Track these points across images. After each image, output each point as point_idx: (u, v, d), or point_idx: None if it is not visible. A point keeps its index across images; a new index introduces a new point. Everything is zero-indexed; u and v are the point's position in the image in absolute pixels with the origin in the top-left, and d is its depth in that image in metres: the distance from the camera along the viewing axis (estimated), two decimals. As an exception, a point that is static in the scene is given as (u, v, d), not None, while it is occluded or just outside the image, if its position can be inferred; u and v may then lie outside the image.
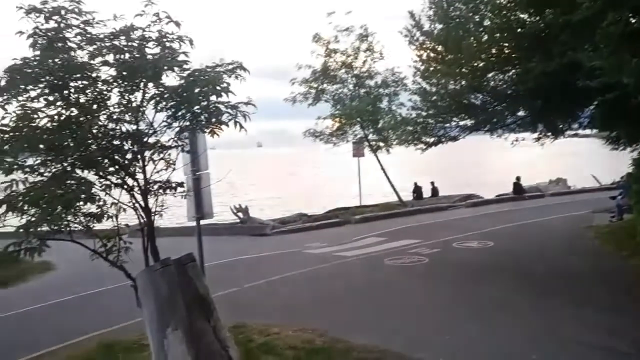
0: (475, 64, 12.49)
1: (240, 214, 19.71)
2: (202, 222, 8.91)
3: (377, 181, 30.12)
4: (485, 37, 12.17)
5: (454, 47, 12.54)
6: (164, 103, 5.26)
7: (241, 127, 5.34)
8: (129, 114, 5.13)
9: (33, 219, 4.57)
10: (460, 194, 26.33)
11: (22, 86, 4.58)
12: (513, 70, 12.31)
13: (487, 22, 12.12)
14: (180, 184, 5.75)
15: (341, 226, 18.26)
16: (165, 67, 5.14)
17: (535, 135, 14.53)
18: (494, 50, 12.40)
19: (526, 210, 18.99)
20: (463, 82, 13.03)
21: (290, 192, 43.78)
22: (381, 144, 23.27)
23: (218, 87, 5.19)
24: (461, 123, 14.50)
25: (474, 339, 6.71)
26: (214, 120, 5.36)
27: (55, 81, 4.74)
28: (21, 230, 4.56)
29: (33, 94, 4.74)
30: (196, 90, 5.16)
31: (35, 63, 4.65)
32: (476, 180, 40.12)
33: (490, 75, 12.91)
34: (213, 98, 5.23)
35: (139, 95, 5.26)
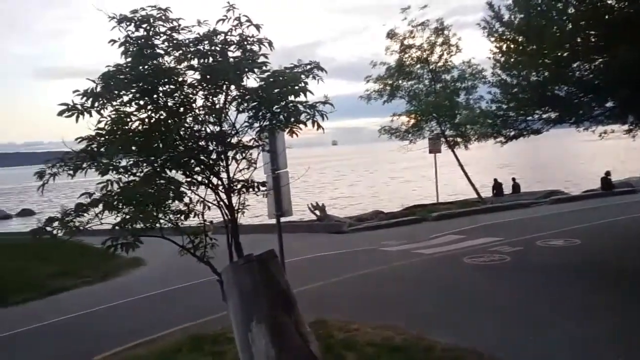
0: (559, 54, 11.92)
1: (317, 212, 19.93)
2: (281, 219, 9.09)
3: (454, 178, 29.45)
4: (570, 25, 11.59)
5: (535, 37, 12.03)
6: (245, 104, 5.43)
7: (319, 126, 5.41)
8: (213, 115, 5.35)
9: (127, 216, 4.87)
10: (544, 190, 25.25)
11: (116, 91, 4.87)
12: (600, 60, 11.64)
13: (571, 10, 11.54)
14: (263, 183, 5.91)
15: (418, 223, 18.02)
16: (246, 70, 5.31)
17: (626, 127, 13.67)
18: (578, 39, 11.78)
19: (616, 207, 17.90)
20: (546, 73, 12.48)
21: (366, 190, 43.75)
22: (459, 139, 22.74)
23: (296, 87, 5.29)
24: (544, 116, 13.90)
25: (559, 341, 6.43)
26: (292, 119, 5.47)
27: (145, 86, 5.02)
28: (117, 227, 4.87)
29: (126, 98, 5.04)
30: (275, 91, 5.29)
31: (127, 69, 4.94)
32: (560, 176, 38.34)
33: (575, 65, 12.28)
34: (292, 98, 5.35)
35: (221, 97, 5.46)
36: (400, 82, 22.70)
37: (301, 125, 5.51)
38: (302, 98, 5.31)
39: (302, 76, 5.41)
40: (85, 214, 4.88)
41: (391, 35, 22.45)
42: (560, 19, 11.67)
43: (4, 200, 57.36)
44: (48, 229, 4.79)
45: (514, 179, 26.66)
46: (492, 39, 14.09)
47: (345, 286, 9.99)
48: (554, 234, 13.29)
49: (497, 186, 25.68)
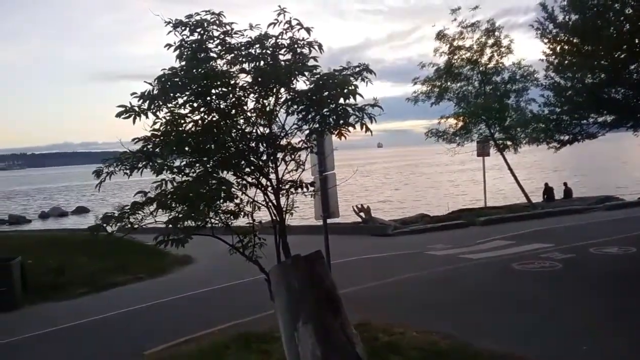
0: (616, 55, 11.52)
1: (362, 214, 19.91)
2: (327, 221, 9.15)
3: (502, 182, 28.81)
4: (627, 26, 11.19)
5: (591, 38, 11.68)
6: (295, 106, 5.52)
7: (367, 129, 5.43)
8: (264, 117, 5.45)
9: (180, 215, 5.03)
10: (597, 195, 24.39)
11: (171, 94, 5.04)
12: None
13: (628, 11, 11.14)
14: (312, 184, 5.98)
15: (465, 228, 17.73)
16: (297, 73, 5.39)
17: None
18: (636, 40, 11.36)
19: (677, 214, 17.11)
20: (602, 75, 12.09)
21: (411, 193, 43.36)
22: (508, 142, 22.25)
23: (346, 91, 5.33)
24: (600, 119, 13.45)
25: (615, 352, 6.21)
26: (341, 122, 5.51)
27: (199, 89, 5.16)
28: (169, 225, 5.03)
29: (180, 101, 5.20)
30: (325, 94, 5.34)
31: (181, 73, 5.10)
32: (616, 182, 36.93)
33: (632, 67, 11.85)
34: (341, 101, 5.39)
35: (272, 99, 5.56)
36: (448, 83, 22.41)
37: (350, 128, 5.56)
38: (351, 101, 5.35)
39: (352, 79, 5.45)
40: (140, 212, 5.07)
41: (440, 36, 22.20)
42: (618, 20, 11.29)
43: (62, 198, 59.82)
44: (105, 225, 5.00)
45: (565, 184, 25.88)
46: (545, 40, 13.75)
47: (390, 289, 9.94)
48: (608, 241, 12.83)
49: (548, 191, 24.98)
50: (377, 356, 6.13)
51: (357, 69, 5.59)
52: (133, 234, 5.79)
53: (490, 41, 22.04)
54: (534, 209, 20.84)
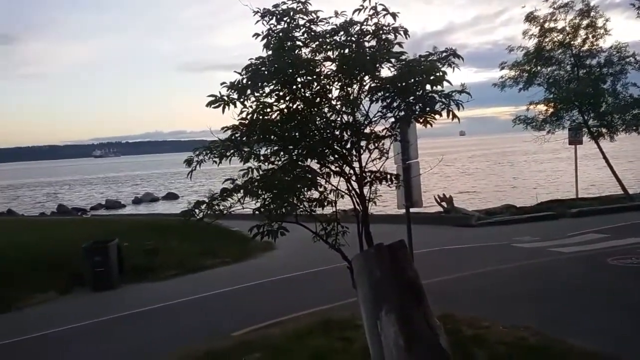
0: None
1: (444, 204, 19.49)
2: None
3: (596, 171, 27.18)
4: None
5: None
6: (380, 94, 5.46)
7: (454, 116, 5.29)
8: (348, 105, 5.44)
9: (266, 202, 5.15)
10: None
11: (259, 83, 5.14)
12: None
13: None
14: (397, 176, 5.92)
15: (554, 220, 16.88)
16: (382, 59, 5.33)
17: None
18: None
19: None
20: None
21: (497, 182, 41.91)
22: (603, 129, 20.88)
23: (433, 77, 5.20)
24: None
25: None
26: (427, 109, 5.39)
27: (285, 77, 5.23)
28: (257, 212, 5.18)
29: (267, 90, 5.30)
30: (411, 81, 5.25)
31: (268, 62, 5.19)
32: None
33: None
34: (428, 87, 5.27)
35: (356, 87, 5.53)
36: (538, 68, 21.29)
37: (436, 116, 5.43)
38: (437, 87, 5.22)
39: (438, 64, 5.31)
40: (229, 199, 5.24)
41: (530, 18, 21.08)
42: None
43: (153, 184, 63.12)
44: (197, 211, 5.22)
45: (668, 175, 24.00)
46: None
47: (473, 282, 9.67)
48: None
49: (648, 182, 23.27)
50: (462, 349, 5.99)
51: (444, 54, 5.44)
52: (219, 220, 6.01)
53: (585, 22, 20.68)
54: (631, 201, 19.48)
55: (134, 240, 13.59)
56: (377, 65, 5.38)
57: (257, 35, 5.33)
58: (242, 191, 5.27)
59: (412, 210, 9.99)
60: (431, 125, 5.59)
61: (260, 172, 5.34)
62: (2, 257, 12.04)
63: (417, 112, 5.40)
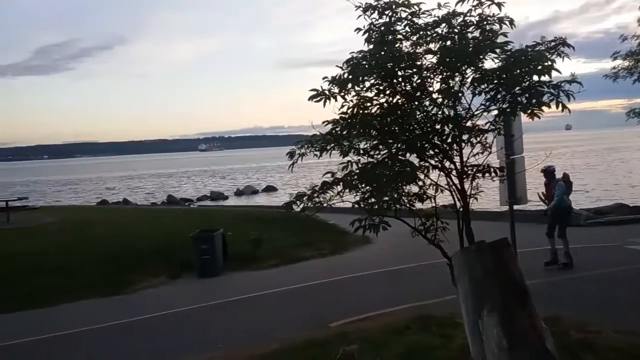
0: None
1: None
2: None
3: None
4: None
5: None
6: (483, 86, 5.30)
7: (564, 107, 5.02)
8: (449, 98, 5.33)
9: (365, 195, 5.19)
10: None
11: (360, 77, 5.17)
12: None
13: None
14: (501, 169, 5.72)
15: (677, 221, 15.49)
16: (486, 50, 5.16)
17: None
18: None
19: None
20: None
21: (607, 180, 39.08)
22: None
23: (540, 67, 4.97)
24: None
25: None
26: (534, 101, 5.16)
27: (385, 71, 5.22)
28: (356, 206, 5.22)
29: (367, 84, 5.32)
30: (517, 71, 5.05)
31: (369, 56, 5.20)
32: None
33: None
34: (535, 78, 5.05)
35: (458, 79, 5.40)
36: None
37: (544, 108, 5.18)
38: (544, 78, 4.99)
39: (547, 54, 5.07)
40: (329, 192, 5.33)
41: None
42: None
43: (253, 177, 65.40)
44: (298, 203, 5.36)
45: None
46: None
47: (581, 284, 9.13)
48: None
49: None
50: (569, 353, 5.69)
51: (553, 44, 5.18)
52: (317, 213, 6.13)
53: None
54: None
55: (237, 230, 14.20)
56: (481, 56, 5.23)
57: (358, 29, 5.36)
58: (341, 184, 5.34)
59: (514, 207, 9.60)
60: (539, 117, 5.34)
61: (360, 166, 5.38)
62: (121, 244, 13.11)
63: (523, 104, 5.18)
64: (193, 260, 12.03)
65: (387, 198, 5.12)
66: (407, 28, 5.31)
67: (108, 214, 22.03)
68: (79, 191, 59.59)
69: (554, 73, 5.03)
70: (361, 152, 5.41)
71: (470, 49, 5.11)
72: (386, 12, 5.27)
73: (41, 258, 12.03)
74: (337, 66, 5.21)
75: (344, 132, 5.36)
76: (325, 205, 5.33)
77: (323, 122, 5.35)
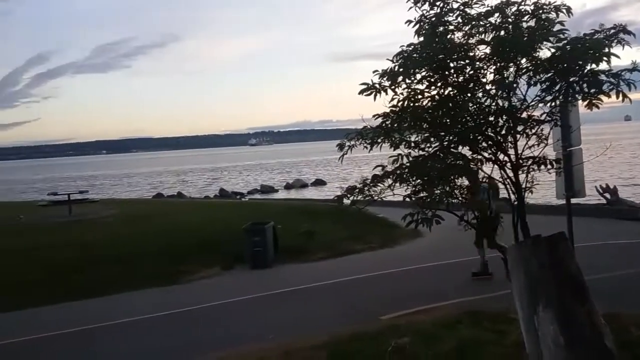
0: None
1: (607, 195, 17.81)
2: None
3: None
4: None
5: None
6: (538, 76, 5.18)
7: (624, 96, 4.84)
8: (503, 89, 5.24)
9: (416, 189, 5.17)
10: None
11: (411, 70, 5.15)
12: None
13: None
14: (558, 160, 5.58)
15: None
16: (541, 39, 5.04)
17: None
18: None
19: None
20: None
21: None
22: None
23: (598, 54, 4.81)
24: None
25: None
26: (593, 90, 5.00)
27: (437, 63, 5.18)
28: (406, 199, 5.21)
29: (418, 76, 5.30)
30: (573, 60, 4.90)
31: (420, 48, 5.17)
32: None
33: None
34: (592, 66, 4.89)
35: (512, 70, 5.30)
36: None
37: (603, 97, 5.02)
38: (603, 66, 4.83)
39: (606, 42, 4.90)
40: (380, 185, 5.35)
41: None
42: None
43: (302, 171, 65.78)
44: (349, 196, 5.40)
45: None
46: None
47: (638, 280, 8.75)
48: None
49: None
50: (629, 351, 5.49)
51: (612, 31, 5.00)
52: (366, 206, 6.13)
53: None
54: None
55: (287, 223, 14.36)
56: (536, 45, 5.11)
57: (409, 22, 5.33)
58: (392, 177, 5.34)
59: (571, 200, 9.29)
60: (597, 107, 5.18)
61: (411, 159, 5.36)
62: (176, 235, 13.51)
63: (581, 94, 5.03)
64: (245, 252, 12.26)
65: (438, 191, 5.09)
66: (459, 19, 5.26)
67: (163, 207, 22.71)
68: (134, 184, 61.61)
69: (613, 62, 4.87)
70: (412, 145, 5.40)
71: (525, 39, 5.01)
72: (437, 3, 5.23)
73: (101, 249, 12.56)
74: (387, 59, 5.22)
75: (395, 125, 5.36)
76: (376, 198, 5.35)
77: (374, 116, 5.37)
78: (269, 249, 12.27)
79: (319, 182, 47.29)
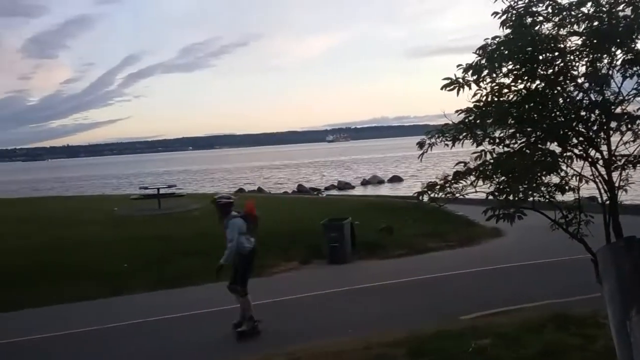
0: None
1: None
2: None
3: None
4: None
5: None
6: (635, 68, 4.88)
7: None
8: (596, 82, 4.98)
9: (501, 186, 5.02)
10: None
11: (496, 63, 5.01)
12: None
13: None
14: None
15: None
16: (639, 30, 4.74)
17: None
18: None
19: None
20: None
21: None
22: None
23: None
24: None
25: None
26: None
27: (524, 56, 5.00)
28: (489, 197, 5.08)
29: (504, 70, 5.14)
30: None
31: (507, 41, 5.01)
32: None
33: None
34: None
35: (606, 62, 5.03)
36: None
37: None
38: None
39: None
40: (461, 182, 5.24)
41: None
42: None
43: (379, 167, 65.48)
44: (429, 192, 5.34)
45: None
46: None
47: None
48: None
49: None
50: None
51: None
52: (443, 203, 6.01)
53: None
54: None
55: (364, 219, 14.36)
56: (633, 36, 4.81)
57: (495, 13, 5.19)
58: (474, 174, 5.22)
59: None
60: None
61: (495, 155, 5.22)
62: (259, 230, 13.89)
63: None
64: (323, 247, 12.41)
65: (524, 189, 4.92)
66: (548, 9, 5.05)
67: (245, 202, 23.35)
68: (217, 180, 63.84)
69: None
70: (496, 141, 5.25)
71: (621, 29, 4.73)
72: (526, -7, 5.04)
73: (188, 241, 13.14)
74: (473, 52, 5.10)
75: (478, 121, 5.23)
76: (457, 195, 5.25)
77: (456, 111, 5.27)
78: (346, 244, 12.35)
79: (396, 179, 46.91)
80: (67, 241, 13.47)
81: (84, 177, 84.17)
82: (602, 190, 5.19)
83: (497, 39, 5.00)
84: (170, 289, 10.62)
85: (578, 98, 5.10)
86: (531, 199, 5.08)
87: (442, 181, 5.30)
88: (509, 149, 5.20)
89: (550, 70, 5.10)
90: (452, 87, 5.04)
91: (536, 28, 5.04)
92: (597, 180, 5.20)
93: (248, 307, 7.71)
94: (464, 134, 5.26)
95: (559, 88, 5.10)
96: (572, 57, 5.04)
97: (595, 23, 4.89)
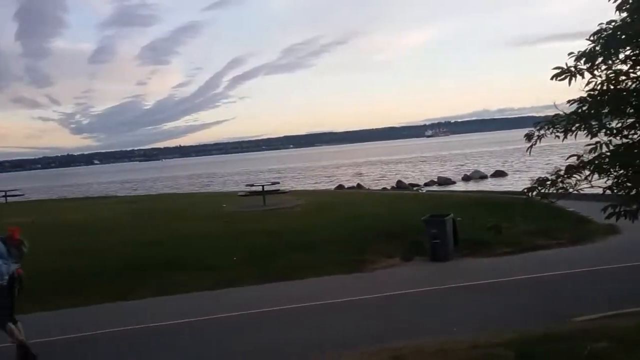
0: None
1: None
2: None
3: None
4: None
5: None
6: None
7: None
8: None
9: (619, 180, 4.71)
10: None
11: (612, 50, 4.71)
12: None
13: None
14: None
15: None
16: None
17: None
18: None
19: None
20: None
21: None
22: None
23: None
24: None
25: None
26: None
27: (644, 41, 4.66)
28: (607, 191, 4.78)
29: (621, 56, 4.81)
30: None
31: (623, 25, 4.69)
32: None
33: None
34: None
35: None
36: None
37: None
38: None
39: None
40: (575, 176, 4.97)
41: None
42: None
43: (481, 162, 63.28)
44: (540, 189, 5.11)
45: None
46: None
47: None
48: None
49: None
50: None
51: None
52: (555, 199, 5.71)
53: None
54: None
55: (466, 215, 14.00)
56: None
57: (612, -3, 4.86)
58: (589, 168, 4.94)
59: None
60: None
61: (612, 147, 4.90)
62: (358, 225, 14.05)
63: None
64: (425, 243, 12.27)
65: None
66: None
67: (345, 198, 23.66)
68: (316, 177, 64.96)
69: None
70: (614, 131, 4.93)
71: None
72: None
73: (291, 236, 13.56)
74: (586, 39, 4.82)
75: (592, 111, 4.93)
76: (571, 190, 4.99)
77: (568, 102, 5.01)
78: (448, 241, 12.11)
79: (499, 174, 45.12)
80: (181, 236, 14.48)
81: (194, 176, 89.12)
82: None
83: (613, 24, 4.68)
84: (277, 282, 10.98)
85: None
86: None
87: (553, 176, 5.06)
88: (627, 140, 4.86)
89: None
90: (563, 76, 4.79)
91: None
92: None
93: (17, 334, 6.86)
94: (577, 125, 4.98)
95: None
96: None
97: None
